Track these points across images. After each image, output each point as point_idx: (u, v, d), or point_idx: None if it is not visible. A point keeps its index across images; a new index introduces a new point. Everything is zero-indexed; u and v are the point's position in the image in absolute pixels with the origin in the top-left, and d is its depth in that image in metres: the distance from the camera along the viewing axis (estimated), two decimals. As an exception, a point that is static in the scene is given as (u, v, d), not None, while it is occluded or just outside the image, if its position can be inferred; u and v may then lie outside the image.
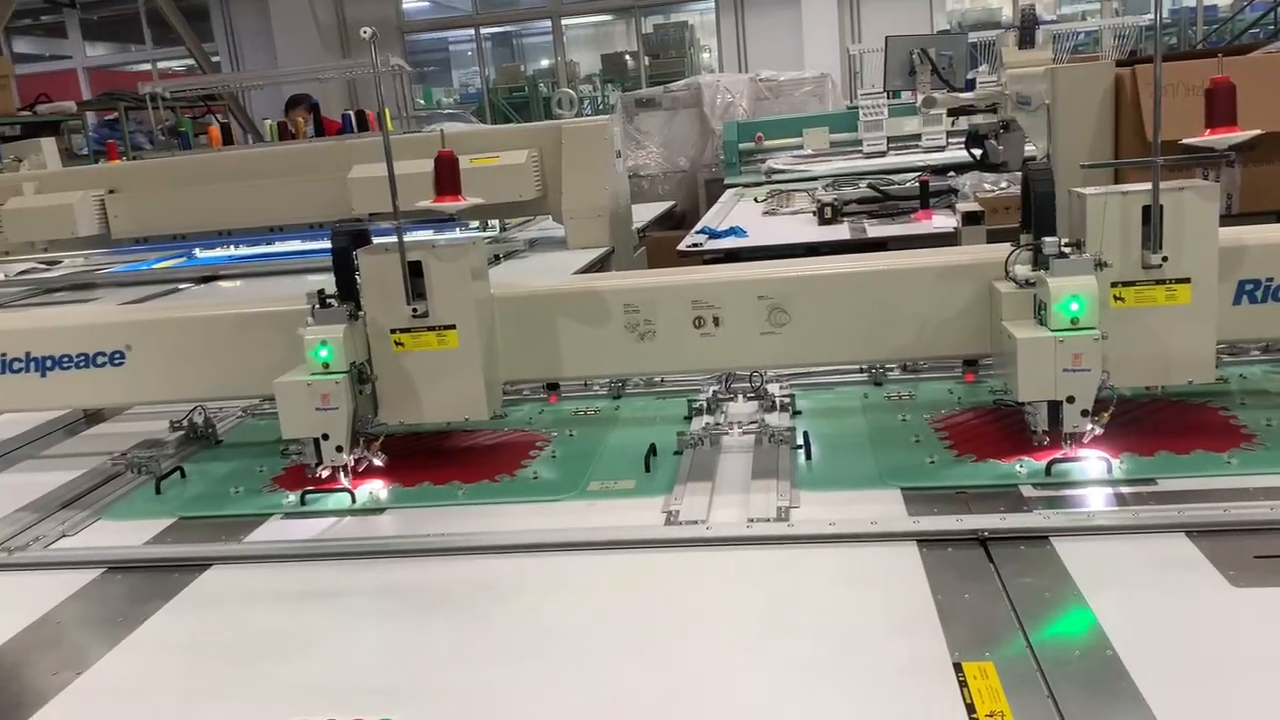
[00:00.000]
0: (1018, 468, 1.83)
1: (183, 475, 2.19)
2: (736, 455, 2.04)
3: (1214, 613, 1.37)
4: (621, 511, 1.85)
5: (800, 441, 2.02)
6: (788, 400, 2.28)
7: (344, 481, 1.98)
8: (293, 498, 2.00)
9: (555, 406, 2.43)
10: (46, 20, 17.22)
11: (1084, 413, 1.77)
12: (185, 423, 2.43)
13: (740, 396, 2.35)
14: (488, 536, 1.78)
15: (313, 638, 1.53)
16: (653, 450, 2.03)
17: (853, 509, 1.74)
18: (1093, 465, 1.79)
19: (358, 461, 1.99)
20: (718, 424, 2.17)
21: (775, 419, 2.17)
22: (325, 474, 1.96)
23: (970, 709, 1.19)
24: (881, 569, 1.57)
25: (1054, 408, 1.79)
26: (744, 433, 2.13)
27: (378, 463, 2.02)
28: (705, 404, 2.29)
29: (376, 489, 2.01)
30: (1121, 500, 1.71)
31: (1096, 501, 1.71)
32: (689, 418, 2.25)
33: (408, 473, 2.06)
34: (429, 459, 2.13)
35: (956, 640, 1.33)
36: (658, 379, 2.48)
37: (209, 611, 1.65)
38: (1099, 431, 1.81)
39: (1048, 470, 1.79)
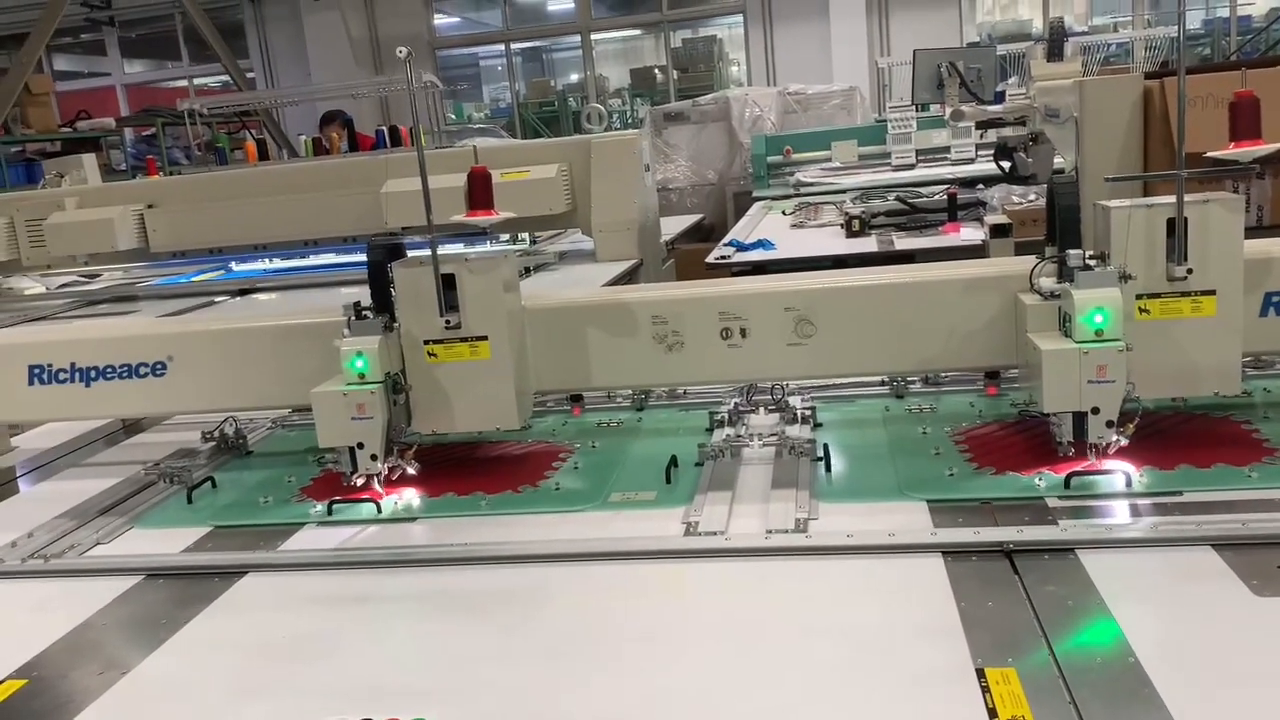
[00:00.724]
0: (1037, 480, 1.83)
1: (214, 485, 2.24)
2: (757, 467, 2.05)
3: (1236, 622, 1.38)
4: (642, 522, 1.87)
5: (820, 453, 2.04)
6: (809, 412, 2.30)
7: (378, 489, 2.02)
8: (320, 507, 2.04)
9: (579, 418, 2.46)
10: (86, 38, 17.55)
11: (1109, 424, 1.79)
12: (216, 434, 2.49)
13: (762, 409, 2.36)
14: (510, 546, 1.81)
15: (343, 640, 1.57)
16: (674, 462, 2.05)
17: (872, 520, 1.76)
18: (1113, 478, 1.80)
19: (391, 470, 2.03)
20: (738, 436, 2.18)
21: (796, 431, 2.19)
22: (360, 482, 2.01)
23: (993, 713, 1.21)
24: (899, 580, 1.58)
25: (1079, 419, 1.81)
26: (764, 445, 2.14)
27: (411, 471, 2.06)
28: (727, 416, 2.30)
29: (402, 499, 2.04)
30: (1138, 512, 1.72)
31: (1118, 514, 1.72)
32: (710, 429, 2.27)
33: (433, 483, 2.09)
34: (454, 470, 2.17)
35: (979, 647, 1.35)
36: (680, 391, 2.51)
37: (243, 616, 1.69)
38: (1124, 443, 1.82)
39: (1067, 483, 1.79)
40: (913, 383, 2.42)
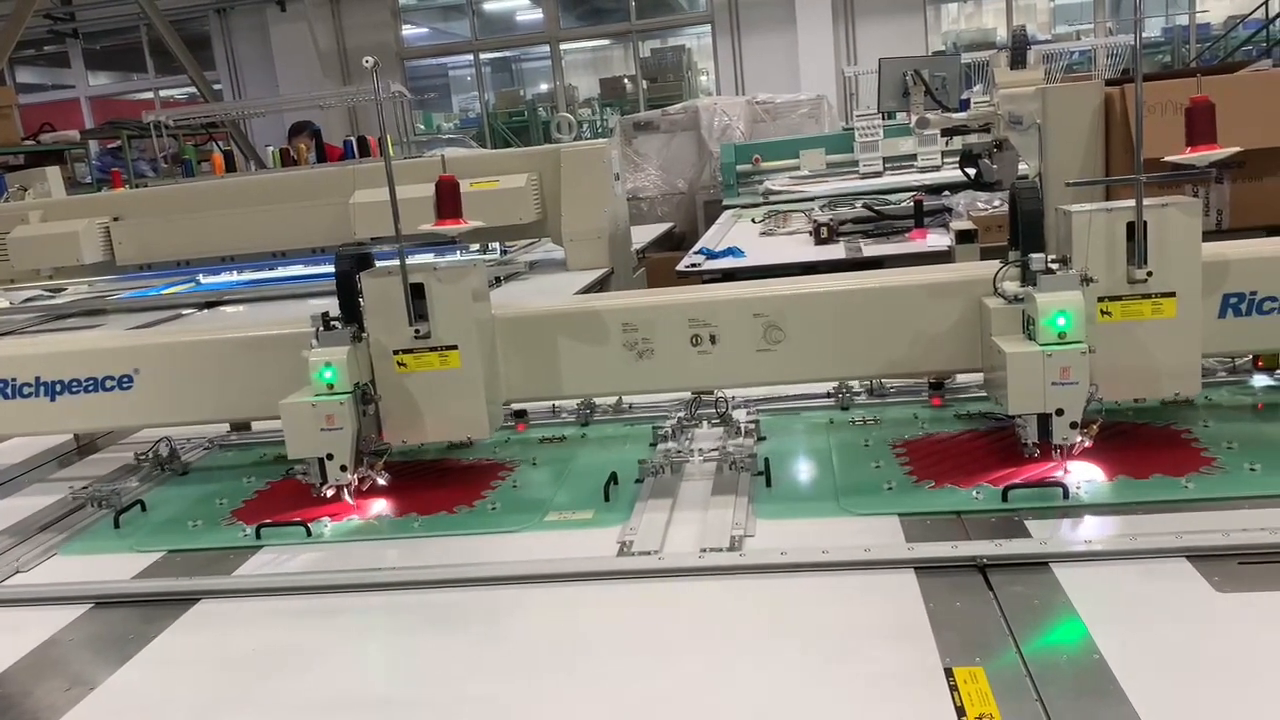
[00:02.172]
0: (975, 494, 1.82)
1: (144, 508, 2.18)
2: (698, 482, 2.02)
3: (1199, 617, 1.41)
4: (577, 542, 1.83)
5: (761, 467, 2.02)
6: (753, 425, 2.28)
7: (348, 499, 2.01)
8: (249, 531, 1.99)
9: (522, 434, 2.41)
10: (50, 50, 17.36)
11: (1073, 425, 1.81)
12: (150, 455, 2.43)
13: (706, 422, 2.34)
14: (432, 571, 1.75)
15: (276, 665, 1.53)
16: (613, 479, 2.02)
17: (808, 536, 1.73)
18: (1050, 490, 1.78)
19: (361, 480, 2.02)
20: (679, 451, 2.14)
21: (739, 444, 2.14)
22: (330, 493, 2.00)
23: (960, 712, 1.22)
24: (833, 594, 1.57)
25: (1043, 420, 1.83)
26: (706, 459, 2.11)
27: (381, 481, 2.05)
28: (670, 430, 2.26)
29: (332, 523, 2.00)
30: (1075, 527, 1.70)
31: (1063, 528, 1.70)
32: (654, 444, 2.24)
33: (367, 504, 2.05)
34: (392, 489, 2.09)
35: (948, 647, 1.37)
36: (626, 405, 2.48)
37: (161, 669, 1.58)
38: (1088, 444, 1.84)
39: (1004, 496, 1.78)
40: (858, 394, 2.41)
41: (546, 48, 16.07)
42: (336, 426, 1.93)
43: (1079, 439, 1.83)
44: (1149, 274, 1.88)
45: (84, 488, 2.29)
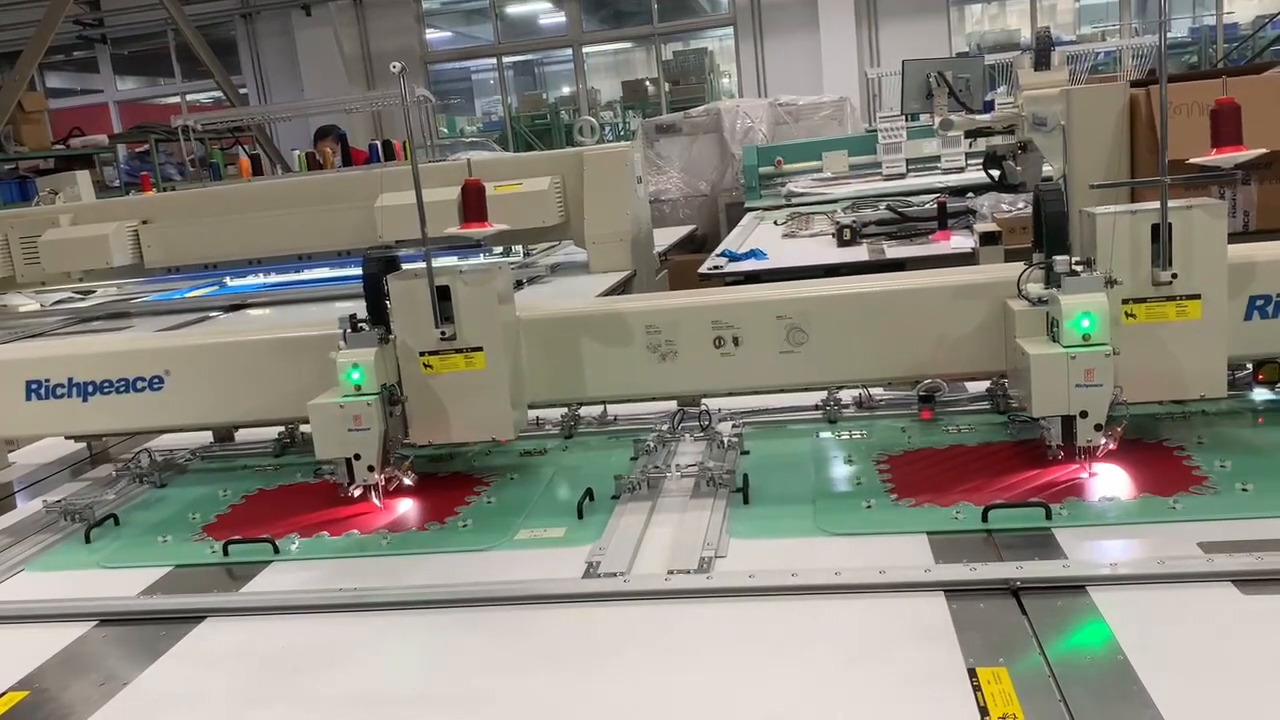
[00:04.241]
0: (955, 514, 1.76)
1: (117, 522, 2.15)
2: (675, 499, 1.97)
3: (1223, 619, 1.40)
4: (545, 562, 1.78)
5: (740, 484, 1.97)
6: (736, 439, 2.23)
7: (375, 500, 2.04)
8: (218, 547, 1.95)
9: (504, 447, 2.31)
10: (79, 56, 17.57)
11: (1097, 427, 1.81)
12: (129, 466, 2.43)
13: (689, 436, 2.29)
14: (390, 592, 1.72)
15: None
16: (589, 495, 1.98)
17: (780, 558, 1.68)
18: (1032, 512, 1.72)
19: (389, 480, 2.04)
20: (657, 467, 2.08)
21: (719, 460, 2.09)
22: (357, 493, 2.02)
23: (984, 713, 1.23)
24: (797, 619, 1.53)
25: (1067, 423, 1.83)
26: (684, 475, 2.04)
27: (408, 482, 2.07)
28: (651, 444, 2.22)
29: (300, 539, 1.97)
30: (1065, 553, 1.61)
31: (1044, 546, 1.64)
32: (636, 458, 2.18)
33: (341, 520, 2.03)
34: (366, 504, 2.06)
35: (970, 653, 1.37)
36: (611, 417, 2.44)
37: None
38: (1112, 446, 1.84)
39: (984, 517, 1.72)
40: (847, 406, 2.35)
41: (569, 51, 16.11)
42: (364, 427, 1.95)
43: (1103, 441, 1.83)
44: (1174, 276, 1.88)
45: (57, 501, 2.25)
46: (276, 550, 1.92)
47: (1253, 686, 1.25)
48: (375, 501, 2.04)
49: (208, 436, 2.62)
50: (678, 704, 1.35)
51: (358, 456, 1.97)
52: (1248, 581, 1.46)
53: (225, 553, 1.93)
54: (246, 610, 1.75)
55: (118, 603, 1.79)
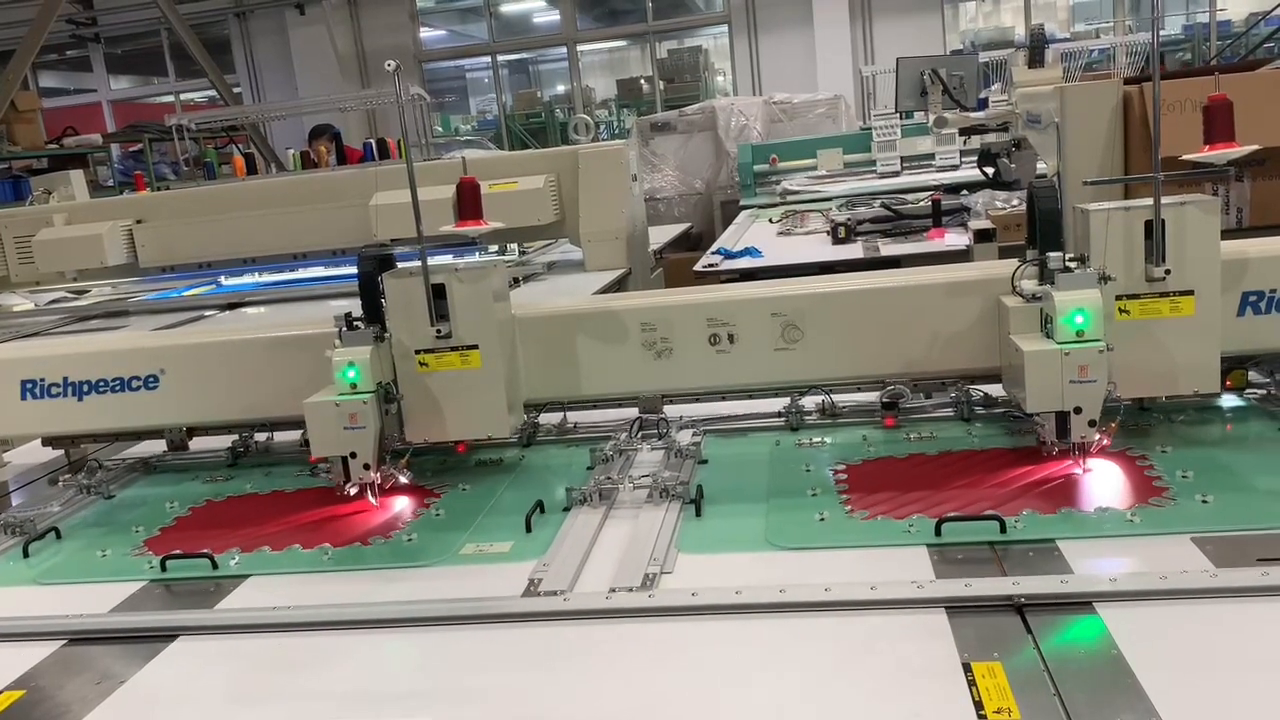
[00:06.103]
0: (908, 527, 1.72)
1: (58, 535, 2.11)
2: (627, 510, 1.92)
3: (1217, 615, 1.41)
4: (487, 579, 1.73)
5: (694, 495, 1.92)
6: (695, 447, 2.17)
7: (371, 499, 2.04)
8: (156, 562, 1.90)
9: (461, 455, 2.30)
10: (72, 55, 17.52)
11: (1091, 423, 1.82)
12: (76, 476, 2.38)
13: (648, 445, 2.24)
14: (324, 611, 1.66)
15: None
16: (540, 507, 1.94)
17: (724, 575, 1.64)
18: (986, 525, 1.67)
19: (385, 478, 2.05)
20: (610, 478, 2.03)
21: (676, 470, 2.05)
22: (353, 491, 2.02)
23: (979, 707, 1.23)
24: (742, 635, 1.50)
25: (1062, 419, 1.84)
26: (637, 487, 1.99)
27: (404, 480, 2.07)
28: (609, 453, 2.16)
29: (241, 554, 1.92)
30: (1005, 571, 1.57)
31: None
32: (592, 467, 2.14)
33: (283, 534, 1.99)
34: (310, 516, 2.05)
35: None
36: (571, 425, 2.40)
37: None
38: (1106, 442, 1.85)
39: (938, 530, 1.68)
40: (810, 413, 2.31)
41: (564, 49, 16.09)
42: (359, 425, 1.96)
43: (1097, 436, 1.83)
44: (1167, 272, 1.89)
45: None
46: (215, 566, 1.86)
47: (1245, 685, 1.26)
48: (371, 500, 2.04)
49: (160, 446, 2.54)
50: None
51: (353, 455, 1.98)
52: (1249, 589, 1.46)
53: (163, 568, 1.87)
54: (179, 630, 1.66)
55: (53, 622, 1.71)
